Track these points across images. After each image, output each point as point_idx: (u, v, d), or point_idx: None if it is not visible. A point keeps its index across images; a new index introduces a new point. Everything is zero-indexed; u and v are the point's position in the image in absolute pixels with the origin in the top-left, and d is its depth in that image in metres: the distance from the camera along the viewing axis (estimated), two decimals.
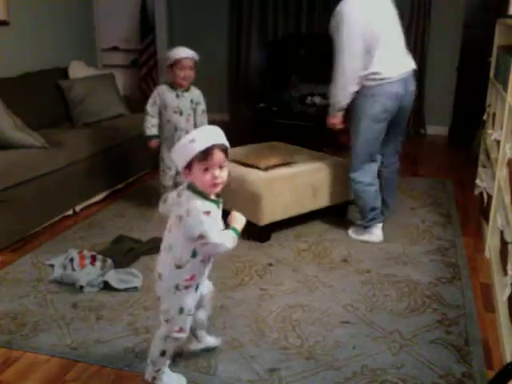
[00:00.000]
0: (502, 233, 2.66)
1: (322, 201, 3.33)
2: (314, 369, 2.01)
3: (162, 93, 3.28)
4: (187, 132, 3.32)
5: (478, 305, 2.47)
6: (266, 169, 3.16)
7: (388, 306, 2.44)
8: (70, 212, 3.57)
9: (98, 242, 3.08)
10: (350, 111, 2.95)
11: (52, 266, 2.76)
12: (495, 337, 2.22)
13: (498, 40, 3.85)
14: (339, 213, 3.48)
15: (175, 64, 3.20)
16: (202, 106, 3.37)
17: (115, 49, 6.46)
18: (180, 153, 1.64)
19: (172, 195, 1.79)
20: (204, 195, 1.66)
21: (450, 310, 2.41)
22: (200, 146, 1.59)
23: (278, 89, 5.43)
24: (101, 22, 5.41)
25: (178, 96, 3.28)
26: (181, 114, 3.30)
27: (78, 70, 4.45)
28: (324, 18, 5.89)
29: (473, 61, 5.22)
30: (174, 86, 3.29)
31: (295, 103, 5.23)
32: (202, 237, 1.62)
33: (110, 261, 2.70)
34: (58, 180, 3.39)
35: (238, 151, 3.45)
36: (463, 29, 5.43)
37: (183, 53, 3.20)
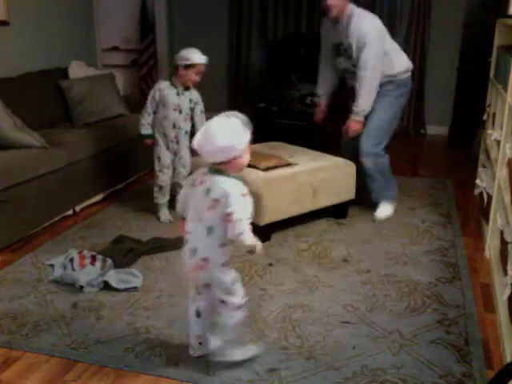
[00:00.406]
0: (502, 233, 2.66)
1: (322, 201, 3.32)
2: (314, 369, 2.01)
3: (163, 89, 3.26)
4: (186, 132, 3.32)
5: (478, 305, 2.47)
6: (266, 169, 3.16)
7: (388, 306, 2.44)
8: (70, 212, 3.57)
9: (97, 242, 3.08)
10: (378, 105, 3.24)
11: (52, 266, 2.76)
12: (495, 337, 2.22)
13: (498, 40, 3.85)
14: (339, 213, 3.48)
15: (192, 67, 3.16)
16: (201, 107, 3.36)
17: (115, 49, 6.46)
18: (220, 152, 1.74)
19: (187, 187, 1.92)
20: (234, 177, 1.79)
21: (450, 310, 2.41)
22: (241, 145, 1.76)
23: (278, 89, 5.43)
24: (101, 22, 5.42)
25: (178, 94, 3.26)
26: (180, 112, 3.29)
27: (78, 70, 4.45)
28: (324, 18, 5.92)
29: (473, 61, 5.21)
30: (175, 84, 3.26)
31: (295, 103, 5.23)
32: (230, 214, 1.72)
33: (109, 261, 2.70)
34: (58, 180, 3.39)
35: None
36: (463, 29, 5.42)
37: (202, 58, 3.18)
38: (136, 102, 4.85)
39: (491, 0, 4.99)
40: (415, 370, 2.00)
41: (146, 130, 3.35)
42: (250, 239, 1.76)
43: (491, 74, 3.96)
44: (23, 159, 3.16)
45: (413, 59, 5.73)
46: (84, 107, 4.10)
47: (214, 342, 1.98)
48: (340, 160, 3.45)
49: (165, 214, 3.44)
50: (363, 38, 3.07)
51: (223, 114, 1.79)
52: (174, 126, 3.30)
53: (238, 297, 1.91)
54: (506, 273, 2.33)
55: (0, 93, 3.42)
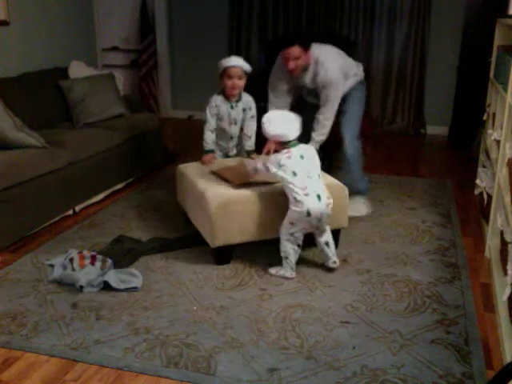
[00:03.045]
0: (502, 233, 2.66)
1: None
2: (314, 369, 2.01)
3: (219, 105, 3.28)
4: (237, 137, 3.44)
5: (477, 305, 2.47)
6: (238, 185, 2.84)
7: (388, 306, 2.44)
8: (70, 212, 3.57)
9: (97, 242, 3.08)
10: (353, 99, 3.55)
11: (52, 266, 2.76)
12: (495, 337, 2.22)
13: (498, 40, 3.84)
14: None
15: (224, 73, 3.20)
16: (252, 112, 3.39)
17: (115, 49, 6.47)
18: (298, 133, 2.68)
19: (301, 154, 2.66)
20: None
21: (450, 310, 2.41)
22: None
23: None
24: (101, 22, 5.42)
25: (232, 107, 3.31)
26: (235, 123, 3.37)
27: (78, 70, 4.45)
28: (324, 18, 5.91)
29: (473, 61, 5.21)
30: (226, 96, 3.28)
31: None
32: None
33: (110, 261, 2.70)
34: (57, 180, 3.39)
35: (223, 162, 3.29)
36: (463, 29, 5.42)
37: (231, 62, 3.20)
38: (136, 102, 4.87)
39: (491, 0, 4.99)
40: (415, 370, 2.00)
41: (209, 146, 3.34)
42: None
43: (491, 74, 3.96)
44: (23, 159, 3.15)
45: (413, 59, 5.78)
46: (84, 107, 4.10)
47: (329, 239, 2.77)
48: (332, 181, 2.98)
49: None
50: (329, 84, 3.32)
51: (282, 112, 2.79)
52: (232, 137, 3.41)
53: None
54: (506, 273, 2.33)
55: (0, 93, 3.42)
